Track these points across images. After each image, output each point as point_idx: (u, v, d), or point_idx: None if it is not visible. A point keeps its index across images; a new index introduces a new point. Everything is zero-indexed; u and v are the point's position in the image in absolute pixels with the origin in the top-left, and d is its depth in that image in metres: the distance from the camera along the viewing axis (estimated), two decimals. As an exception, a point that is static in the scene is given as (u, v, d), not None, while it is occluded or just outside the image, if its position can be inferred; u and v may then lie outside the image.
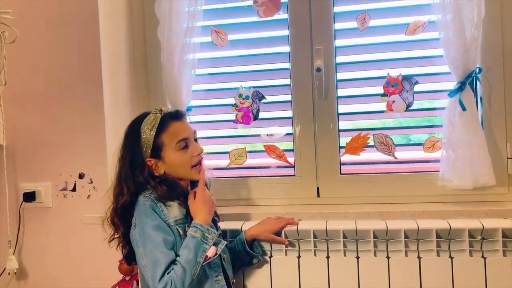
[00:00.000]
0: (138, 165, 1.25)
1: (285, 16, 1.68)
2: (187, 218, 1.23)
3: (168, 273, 1.11)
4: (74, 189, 1.65)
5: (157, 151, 1.25)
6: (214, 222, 1.33)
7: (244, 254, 1.40)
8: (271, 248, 1.44)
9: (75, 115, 1.63)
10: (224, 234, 1.45)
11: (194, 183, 1.32)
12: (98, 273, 1.64)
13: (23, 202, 1.66)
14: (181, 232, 1.20)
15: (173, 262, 1.14)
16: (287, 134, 1.70)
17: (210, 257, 1.17)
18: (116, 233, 1.30)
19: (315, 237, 1.42)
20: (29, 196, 1.65)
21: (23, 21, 1.59)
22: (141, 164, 1.25)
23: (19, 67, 1.64)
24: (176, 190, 1.26)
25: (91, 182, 1.64)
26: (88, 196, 1.64)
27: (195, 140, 1.31)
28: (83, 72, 1.62)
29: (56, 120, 1.65)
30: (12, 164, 1.68)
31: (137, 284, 1.58)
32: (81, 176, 1.65)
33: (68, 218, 1.66)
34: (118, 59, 1.71)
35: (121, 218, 1.26)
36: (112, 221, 1.28)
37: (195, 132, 1.32)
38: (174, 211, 1.22)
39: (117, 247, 1.33)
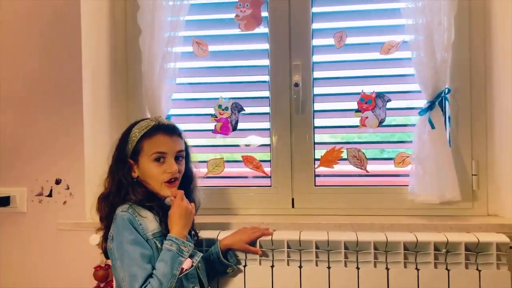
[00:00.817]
0: (121, 161, 1.29)
1: (266, 30, 1.73)
2: (164, 230, 1.24)
3: (145, 287, 1.13)
4: (50, 195, 1.65)
5: (135, 154, 1.29)
6: (190, 233, 1.36)
7: (218, 264, 1.42)
8: (246, 257, 1.47)
9: (54, 121, 1.63)
10: (199, 243, 1.47)
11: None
12: (73, 279, 1.64)
13: (-3, 207, 1.65)
14: (159, 245, 1.22)
15: (150, 275, 1.16)
16: (264, 145, 1.75)
17: (186, 269, 1.20)
18: (101, 223, 1.32)
19: (288, 247, 1.45)
20: (3, 201, 1.64)
21: (4, 23, 1.59)
22: (124, 160, 1.29)
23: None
24: (155, 199, 1.28)
25: (68, 188, 1.64)
26: (64, 202, 1.64)
27: (177, 158, 1.32)
28: (63, 78, 1.63)
29: (34, 125, 1.65)
30: (-13, 168, 1.66)
31: (112, 290, 1.59)
32: (57, 182, 1.64)
33: (43, 224, 1.65)
34: (99, 66, 1.72)
35: (103, 207, 1.30)
36: (97, 208, 1.31)
37: (181, 151, 1.33)
38: (151, 224, 1.24)
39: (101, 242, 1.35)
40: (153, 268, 1.18)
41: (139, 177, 1.30)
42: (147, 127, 1.30)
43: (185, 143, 1.38)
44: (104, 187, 1.32)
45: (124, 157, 1.30)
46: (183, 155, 1.35)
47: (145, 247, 1.20)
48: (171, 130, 1.32)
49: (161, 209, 1.27)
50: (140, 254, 1.18)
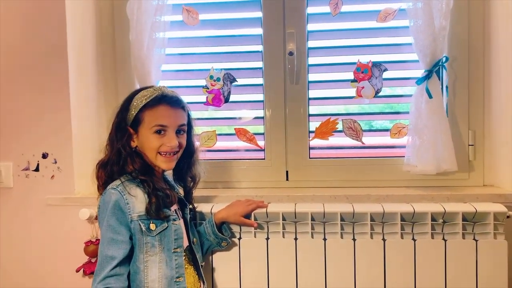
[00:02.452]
0: (121, 129, 1.24)
1: (259, -3, 1.67)
2: (153, 212, 1.19)
3: (109, 277, 1.13)
4: (37, 169, 1.60)
5: (136, 124, 1.24)
6: (186, 206, 1.33)
7: (213, 237, 1.40)
8: (240, 230, 1.45)
9: (39, 94, 1.57)
10: (193, 216, 1.44)
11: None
12: (62, 254, 1.60)
13: (-18, 182, 1.59)
14: (144, 228, 1.18)
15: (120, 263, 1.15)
16: (258, 117, 1.70)
17: None
18: (98, 191, 1.27)
19: (283, 219, 1.43)
20: (-12, 176, 1.59)
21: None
22: (124, 129, 1.24)
23: (-22, 40, 1.56)
24: (150, 174, 1.24)
25: (55, 162, 1.59)
26: (52, 177, 1.59)
27: (179, 132, 1.27)
28: (48, 49, 1.56)
29: (19, 98, 1.58)
30: (-30, 142, 1.60)
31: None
32: (44, 156, 1.59)
33: (30, 199, 1.61)
34: (85, 36, 1.65)
35: (101, 174, 1.25)
36: (96, 176, 1.26)
37: (182, 125, 1.28)
38: (138, 204, 1.19)
39: None
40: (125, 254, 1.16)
41: (137, 147, 1.25)
42: (150, 96, 1.23)
43: (189, 115, 1.33)
44: (104, 154, 1.27)
45: (124, 125, 1.24)
46: (185, 129, 1.30)
47: (119, 233, 1.17)
48: (174, 102, 1.26)
49: (153, 187, 1.21)
50: (112, 239, 1.16)
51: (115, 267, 1.14)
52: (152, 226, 1.18)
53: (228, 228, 1.43)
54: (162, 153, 1.23)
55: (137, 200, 1.19)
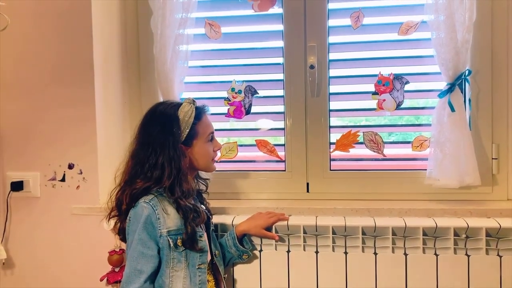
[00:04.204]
0: (177, 149, 1.23)
1: (280, 11, 1.68)
2: (182, 229, 1.21)
3: None
4: (63, 179, 1.64)
5: (190, 138, 1.27)
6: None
7: (234, 249, 1.41)
8: (261, 243, 1.46)
9: (66, 106, 1.61)
10: (215, 228, 1.46)
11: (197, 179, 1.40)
12: (87, 264, 1.64)
13: (11, 192, 1.64)
14: (171, 244, 1.19)
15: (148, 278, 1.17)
16: (279, 129, 1.72)
17: None
18: (117, 212, 1.27)
19: (304, 232, 1.44)
20: (17, 186, 1.63)
21: (15, 8, 1.56)
22: (178, 148, 1.23)
23: (9, 55, 1.61)
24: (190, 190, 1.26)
25: (81, 173, 1.63)
26: (78, 187, 1.63)
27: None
28: (75, 62, 1.59)
29: (47, 110, 1.62)
30: (0, 152, 1.64)
31: (126, 275, 1.58)
32: (70, 167, 1.63)
33: (56, 209, 1.64)
34: (111, 50, 1.69)
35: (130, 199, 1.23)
36: (118, 201, 1.25)
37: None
38: (170, 221, 1.20)
39: (115, 223, 1.33)
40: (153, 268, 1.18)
41: (190, 159, 1.29)
42: (193, 110, 1.28)
43: None
44: (134, 181, 1.23)
45: (176, 144, 1.23)
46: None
47: (150, 247, 1.19)
48: (208, 110, 1.36)
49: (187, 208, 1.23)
50: (142, 253, 1.18)
51: (144, 281, 1.16)
52: (179, 242, 1.20)
53: (249, 240, 1.45)
54: (213, 159, 1.35)
55: (169, 217, 1.21)
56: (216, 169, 1.39)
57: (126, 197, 1.22)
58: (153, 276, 1.19)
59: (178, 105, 1.29)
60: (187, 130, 1.26)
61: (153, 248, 1.19)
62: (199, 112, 1.30)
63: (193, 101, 1.31)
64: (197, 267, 1.23)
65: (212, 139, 1.34)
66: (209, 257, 1.30)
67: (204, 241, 1.26)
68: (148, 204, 1.19)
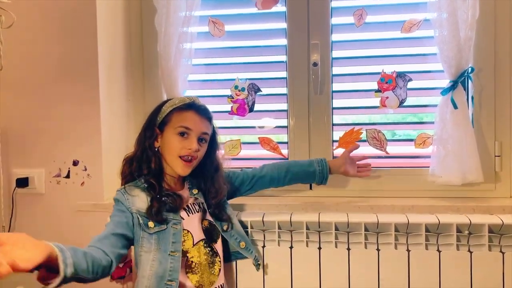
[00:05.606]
0: (149, 129, 1.33)
1: (283, 9, 1.69)
2: (153, 214, 1.24)
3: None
4: (68, 176, 1.65)
5: (163, 124, 1.32)
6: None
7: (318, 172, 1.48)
8: (264, 239, 1.47)
9: (71, 102, 1.62)
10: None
11: (185, 178, 1.37)
12: (91, 260, 1.64)
13: (16, 188, 1.65)
14: (141, 222, 1.23)
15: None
16: (282, 126, 1.72)
17: None
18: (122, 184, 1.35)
19: (307, 228, 1.45)
20: (22, 182, 1.65)
21: (19, 6, 1.57)
22: (152, 129, 1.32)
23: (15, 52, 1.62)
24: (160, 178, 1.31)
25: (85, 170, 1.64)
26: (82, 183, 1.64)
27: (201, 140, 1.31)
28: (79, 59, 1.61)
29: (51, 107, 1.64)
30: (5, 149, 1.66)
31: (130, 271, 1.60)
32: (75, 163, 1.64)
33: (61, 205, 1.66)
34: (115, 48, 1.70)
35: (125, 169, 1.34)
36: (121, 170, 1.35)
37: (205, 133, 1.32)
38: (138, 202, 1.26)
39: None
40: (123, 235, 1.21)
41: (160, 147, 1.32)
42: (181, 102, 1.32)
43: (214, 129, 1.38)
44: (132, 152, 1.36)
45: (152, 125, 1.32)
46: (207, 139, 1.35)
47: (120, 216, 1.24)
48: (202, 111, 1.33)
49: (158, 192, 1.27)
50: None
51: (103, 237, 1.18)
52: (151, 224, 1.23)
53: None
54: (183, 157, 1.28)
55: (138, 198, 1.27)
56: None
57: (123, 171, 1.35)
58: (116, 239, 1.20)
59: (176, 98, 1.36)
60: (163, 115, 1.31)
61: (125, 216, 1.24)
62: (185, 106, 1.31)
63: (191, 98, 1.34)
64: (169, 253, 1.23)
65: (184, 134, 1.28)
66: (198, 238, 1.30)
67: (178, 229, 1.26)
68: (119, 191, 1.29)
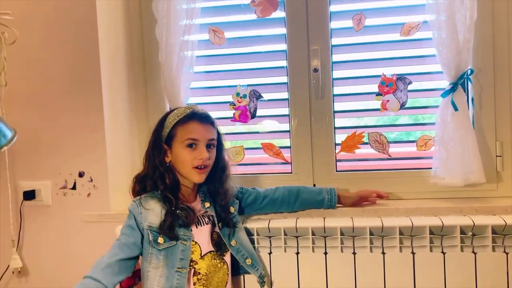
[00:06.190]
0: (156, 145, 1.34)
1: (282, 14, 1.70)
2: (166, 228, 1.26)
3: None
4: (74, 187, 1.67)
5: (169, 139, 1.33)
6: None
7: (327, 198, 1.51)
8: (270, 245, 1.49)
9: (75, 115, 1.64)
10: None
11: (200, 186, 1.40)
12: (100, 270, 1.66)
13: (23, 201, 1.67)
14: (151, 239, 1.26)
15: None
16: (284, 131, 1.74)
17: None
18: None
19: (313, 234, 1.46)
20: (29, 195, 1.66)
21: (22, 22, 1.58)
22: (159, 145, 1.34)
23: (19, 67, 1.64)
24: (177, 193, 1.33)
25: (91, 181, 1.65)
26: (88, 195, 1.66)
27: (208, 146, 1.34)
28: (82, 72, 1.62)
29: (56, 120, 1.65)
30: (12, 163, 1.67)
31: (139, 280, 1.61)
32: (81, 175, 1.66)
33: (68, 216, 1.67)
34: (116, 59, 1.71)
35: (135, 187, 1.36)
36: (131, 188, 1.37)
37: (212, 139, 1.35)
38: (151, 216, 1.28)
39: None
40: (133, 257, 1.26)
41: (171, 162, 1.34)
42: (182, 114, 1.33)
43: (218, 132, 1.40)
44: (141, 170, 1.37)
45: (159, 142, 1.34)
46: (215, 144, 1.38)
47: (129, 235, 1.26)
48: (204, 119, 1.35)
49: (175, 206, 1.29)
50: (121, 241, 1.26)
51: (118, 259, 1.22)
52: (161, 240, 1.25)
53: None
54: (196, 167, 1.31)
55: (152, 212, 1.28)
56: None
57: (133, 190, 1.37)
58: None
59: (176, 109, 1.37)
60: (167, 130, 1.33)
61: (135, 236, 1.26)
62: (187, 117, 1.33)
63: (191, 107, 1.36)
64: (176, 269, 1.25)
65: (192, 145, 1.31)
66: (207, 249, 1.33)
67: (187, 246, 1.28)
68: (135, 202, 1.31)
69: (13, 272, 1.69)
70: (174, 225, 1.27)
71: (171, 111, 1.38)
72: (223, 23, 1.73)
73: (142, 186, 1.34)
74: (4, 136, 1.34)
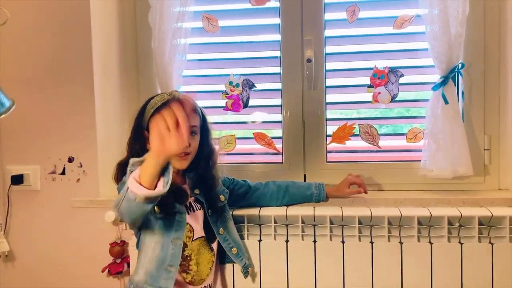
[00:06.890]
0: (138, 132, 1.32)
1: (277, 4, 1.70)
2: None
3: None
4: (63, 173, 1.65)
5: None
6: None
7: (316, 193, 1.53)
8: (260, 233, 1.49)
9: (65, 99, 1.63)
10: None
11: (186, 171, 1.37)
12: (88, 256, 1.66)
13: (11, 185, 1.65)
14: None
15: None
16: (276, 122, 1.74)
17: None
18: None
19: (303, 222, 1.47)
20: (17, 179, 1.65)
21: (14, 3, 1.56)
22: (140, 132, 1.31)
23: (9, 50, 1.62)
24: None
25: (81, 166, 1.64)
26: (78, 180, 1.65)
27: (191, 133, 1.31)
28: (74, 56, 1.61)
29: (46, 104, 1.64)
30: (-1, 146, 1.66)
31: (128, 266, 1.61)
32: (70, 160, 1.65)
33: (57, 202, 1.66)
34: (109, 44, 1.70)
35: (118, 174, 1.32)
36: (114, 175, 1.33)
37: (194, 126, 1.32)
38: None
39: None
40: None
41: None
42: (161, 101, 1.30)
43: (204, 119, 1.38)
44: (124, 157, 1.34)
45: (140, 128, 1.32)
46: (196, 131, 1.35)
47: None
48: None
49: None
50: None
51: None
52: (157, 209, 1.23)
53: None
54: (178, 154, 1.26)
55: None
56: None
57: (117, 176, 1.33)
58: None
59: (157, 95, 1.34)
60: (148, 117, 1.30)
61: None
62: (165, 103, 1.29)
63: (171, 93, 1.33)
64: (171, 239, 1.25)
65: None
66: (198, 234, 1.33)
67: (183, 219, 1.28)
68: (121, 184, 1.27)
69: (-1, 256, 1.68)
70: (168, 201, 1.24)
71: (152, 97, 1.35)
72: (217, 11, 1.73)
73: (123, 173, 1.29)
74: (2, 105, 1.31)
